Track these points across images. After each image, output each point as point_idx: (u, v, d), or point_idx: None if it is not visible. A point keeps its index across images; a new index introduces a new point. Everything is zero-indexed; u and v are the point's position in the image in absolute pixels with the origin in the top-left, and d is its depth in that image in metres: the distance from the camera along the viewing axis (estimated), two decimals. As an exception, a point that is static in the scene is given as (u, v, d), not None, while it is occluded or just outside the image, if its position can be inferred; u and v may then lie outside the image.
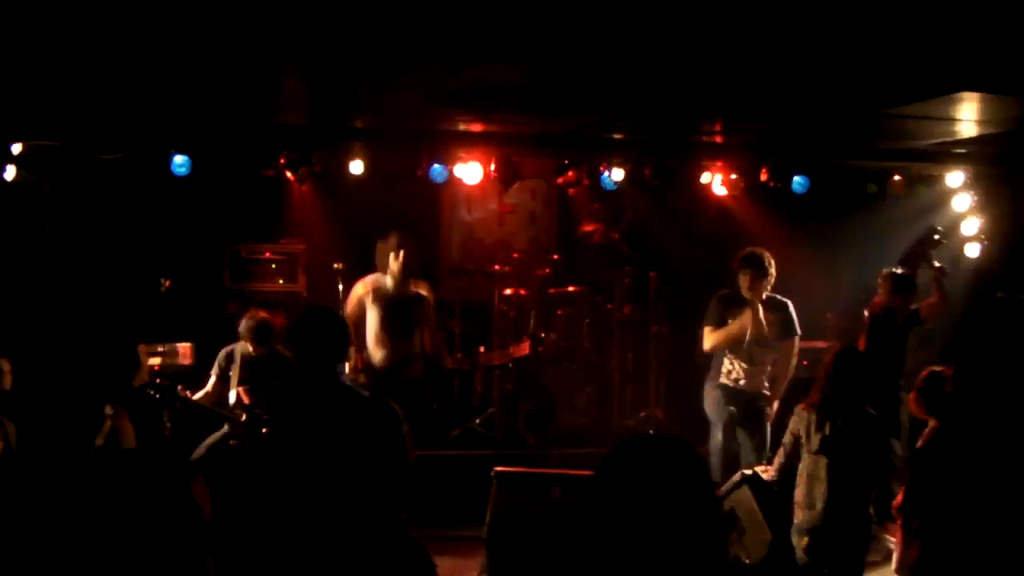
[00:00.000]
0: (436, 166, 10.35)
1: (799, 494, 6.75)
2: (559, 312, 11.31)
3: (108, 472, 4.01)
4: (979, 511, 5.04)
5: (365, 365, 9.09)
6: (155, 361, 9.08)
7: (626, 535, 2.64)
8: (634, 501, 2.65)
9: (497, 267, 11.28)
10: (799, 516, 6.75)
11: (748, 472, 7.31)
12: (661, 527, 2.63)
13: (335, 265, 9.62)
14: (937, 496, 5.32)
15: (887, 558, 7.20)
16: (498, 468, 7.32)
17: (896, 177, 11.43)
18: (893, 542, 6.62)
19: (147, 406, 5.45)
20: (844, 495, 6.60)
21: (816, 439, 6.67)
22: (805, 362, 10.06)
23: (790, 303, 9.03)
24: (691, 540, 2.64)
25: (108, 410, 4.40)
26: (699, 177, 11.20)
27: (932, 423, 6.53)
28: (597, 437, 10.49)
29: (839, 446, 6.62)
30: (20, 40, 6.65)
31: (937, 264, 9.82)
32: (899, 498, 6.17)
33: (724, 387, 8.87)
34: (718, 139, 10.80)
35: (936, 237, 10.17)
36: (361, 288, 9.16)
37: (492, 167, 10.62)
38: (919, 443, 6.07)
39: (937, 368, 6.67)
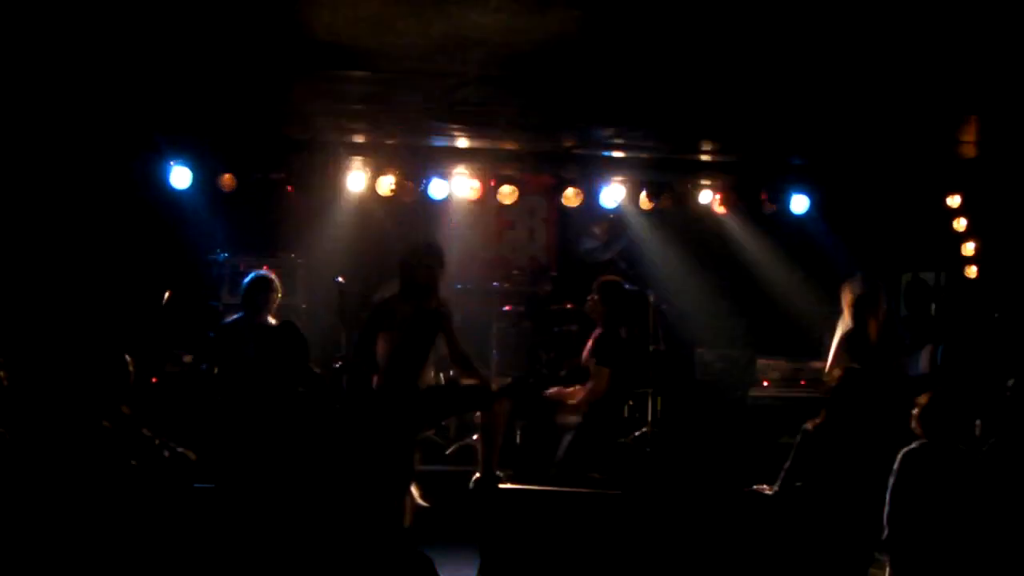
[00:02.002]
0: (433, 183, 10.45)
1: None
2: (556, 330, 11.29)
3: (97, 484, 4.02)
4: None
5: None
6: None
7: None
8: None
9: (496, 284, 11.28)
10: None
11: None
12: None
13: (338, 279, 9.30)
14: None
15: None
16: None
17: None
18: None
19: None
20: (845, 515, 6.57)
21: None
22: (803, 382, 10.09)
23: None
24: None
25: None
26: (696, 196, 11.30)
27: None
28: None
29: (845, 467, 6.60)
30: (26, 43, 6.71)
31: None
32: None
33: None
34: (716, 158, 10.83)
35: None
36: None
37: (491, 183, 10.73)
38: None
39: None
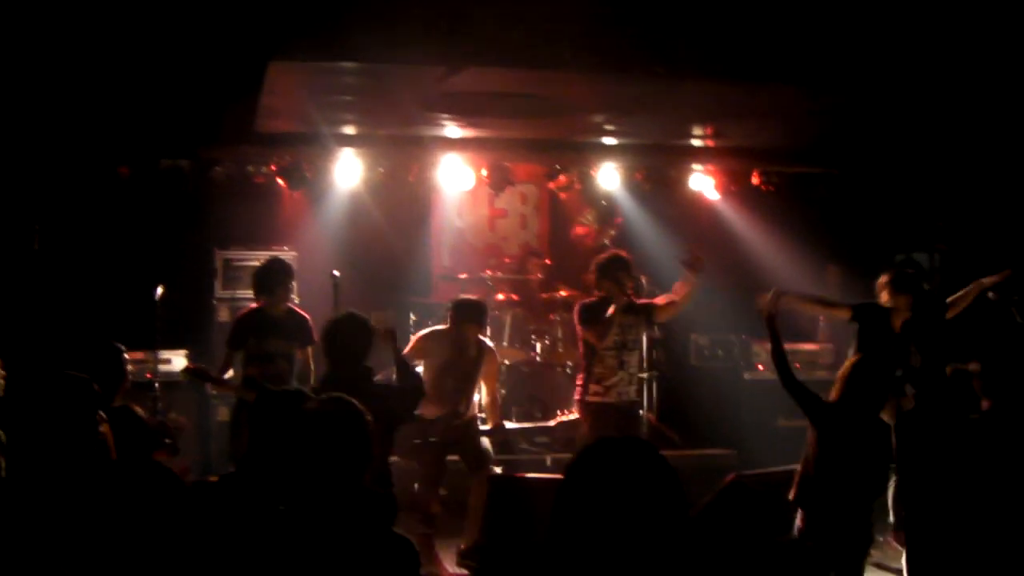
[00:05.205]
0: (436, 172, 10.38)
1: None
2: (551, 316, 11.28)
3: (97, 484, 3.97)
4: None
5: None
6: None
7: (594, 539, 2.64)
8: (601, 505, 2.64)
9: (489, 272, 11.27)
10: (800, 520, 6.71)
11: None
12: (628, 531, 2.62)
13: (333, 272, 9.14)
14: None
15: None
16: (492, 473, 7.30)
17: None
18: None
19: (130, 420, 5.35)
20: (849, 502, 6.54)
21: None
22: (797, 364, 10.07)
23: None
24: (658, 543, 2.63)
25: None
26: (689, 181, 11.32)
27: None
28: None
29: (850, 455, 6.56)
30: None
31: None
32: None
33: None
34: (709, 143, 10.82)
35: None
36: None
37: (484, 172, 10.73)
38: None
39: (963, 367, 6.54)
